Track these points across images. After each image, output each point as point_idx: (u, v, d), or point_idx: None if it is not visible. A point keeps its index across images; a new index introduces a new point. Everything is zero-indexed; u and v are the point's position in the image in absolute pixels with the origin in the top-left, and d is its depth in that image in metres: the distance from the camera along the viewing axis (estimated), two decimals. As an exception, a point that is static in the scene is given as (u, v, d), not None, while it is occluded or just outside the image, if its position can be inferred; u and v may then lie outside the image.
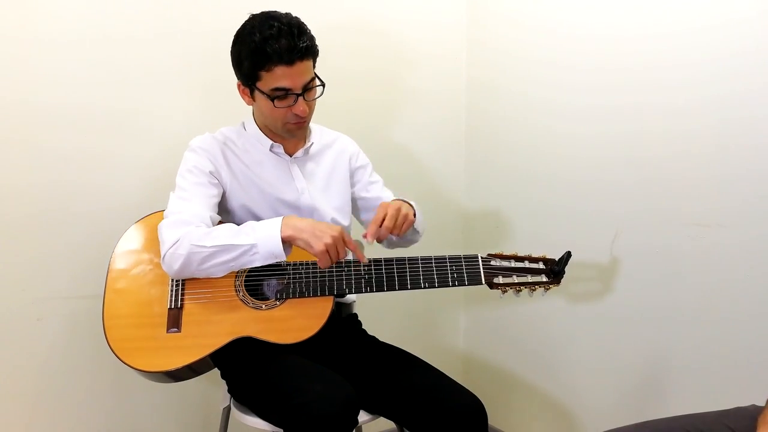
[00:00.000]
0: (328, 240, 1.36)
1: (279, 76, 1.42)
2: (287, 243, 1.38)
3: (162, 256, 1.42)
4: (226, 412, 1.60)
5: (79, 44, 1.68)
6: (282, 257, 1.39)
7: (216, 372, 1.56)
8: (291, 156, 1.61)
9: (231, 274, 1.47)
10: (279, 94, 1.44)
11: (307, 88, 1.47)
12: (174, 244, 1.39)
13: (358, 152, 1.73)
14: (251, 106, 1.57)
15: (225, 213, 1.55)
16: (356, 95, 2.08)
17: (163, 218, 1.46)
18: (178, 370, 1.41)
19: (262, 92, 1.45)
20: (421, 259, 1.49)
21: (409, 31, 2.17)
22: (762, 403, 1.15)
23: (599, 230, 1.83)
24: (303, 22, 1.45)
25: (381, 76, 2.14)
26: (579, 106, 1.87)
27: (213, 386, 1.85)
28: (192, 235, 1.38)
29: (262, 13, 1.46)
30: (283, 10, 1.48)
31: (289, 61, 1.41)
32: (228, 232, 1.40)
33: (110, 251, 1.51)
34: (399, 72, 2.17)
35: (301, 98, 1.45)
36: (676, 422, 1.14)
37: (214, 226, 1.45)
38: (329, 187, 1.65)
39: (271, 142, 1.58)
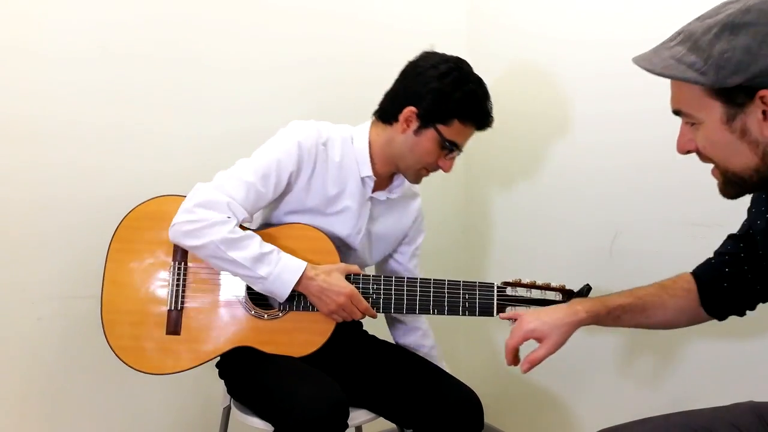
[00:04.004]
0: (333, 307, 1.40)
1: (464, 133, 1.46)
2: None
3: (177, 221, 1.36)
4: (226, 412, 1.60)
5: (74, 54, 1.68)
6: (282, 300, 1.40)
7: (216, 372, 1.56)
8: (372, 193, 1.54)
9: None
10: (450, 147, 1.46)
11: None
12: (201, 223, 1.34)
13: (422, 218, 1.68)
14: (389, 134, 1.48)
15: (266, 207, 1.48)
16: (356, 95, 2.07)
17: (173, 199, 1.42)
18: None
19: (439, 136, 1.43)
20: (434, 282, 1.44)
21: (408, 38, 2.15)
22: (760, 399, 1.15)
23: (599, 230, 1.82)
24: None
25: (381, 80, 2.14)
26: (579, 106, 1.87)
27: (213, 386, 1.84)
28: (223, 231, 1.34)
29: (462, 60, 1.48)
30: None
31: (480, 128, 1.47)
32: (253, 252, 1.35)
33: (110, 251, 1.51)
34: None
35: (452, 157, 1.48)
36: (675, 419, 1.14)
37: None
38: (383, 240, 1.61)
39: (370, 171, 1.50)
